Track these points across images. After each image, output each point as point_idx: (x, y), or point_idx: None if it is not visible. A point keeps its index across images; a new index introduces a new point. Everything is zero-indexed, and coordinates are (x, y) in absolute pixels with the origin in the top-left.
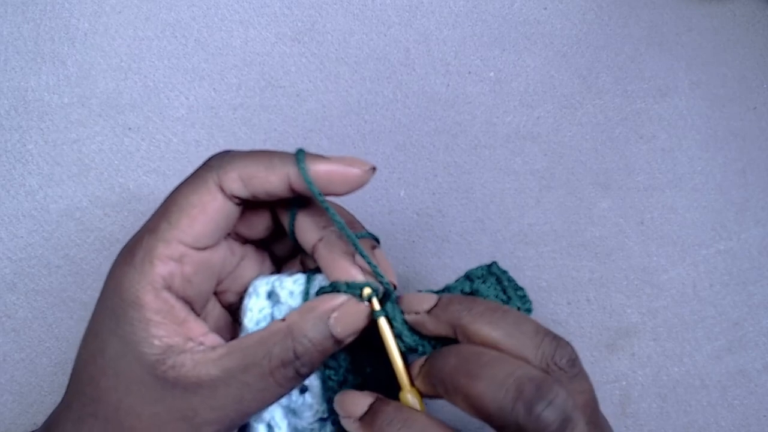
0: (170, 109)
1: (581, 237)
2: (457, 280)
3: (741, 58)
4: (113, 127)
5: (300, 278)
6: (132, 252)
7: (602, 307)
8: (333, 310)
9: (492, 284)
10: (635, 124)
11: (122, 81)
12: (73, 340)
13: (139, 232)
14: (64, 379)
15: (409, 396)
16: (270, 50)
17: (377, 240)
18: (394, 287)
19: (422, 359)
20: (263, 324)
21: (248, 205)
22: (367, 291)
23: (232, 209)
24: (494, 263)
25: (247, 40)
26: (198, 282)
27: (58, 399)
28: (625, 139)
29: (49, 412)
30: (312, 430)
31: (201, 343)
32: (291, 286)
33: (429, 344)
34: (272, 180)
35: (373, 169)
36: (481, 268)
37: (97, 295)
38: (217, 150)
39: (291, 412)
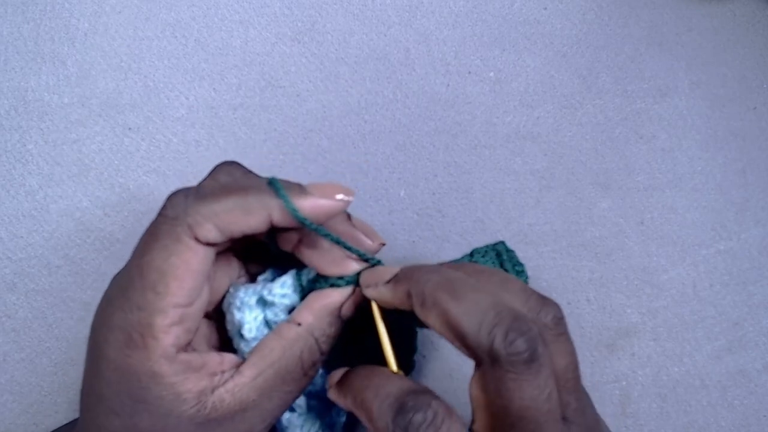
0: (170, 109)
1: (581, 237)
2: (461, 257)
3: (741, 58)
4: (113, 127)
5: (287, 280)
6: (129, 336)
7: (602, 307)
8: (343, 303)
9: (491, 258)
10: (635, 124)
11: (122, 81)
12: (73, 340)
13: (120, 312)
14: (64, 379)
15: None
16: (270, 50)
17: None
18: (383, 244)
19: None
20: (263, 330)
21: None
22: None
23: (212, 253)
24: (501, 242)
25: (247, 40)
26: (196, 319)
27: (59, 399)
28: (625, 139)
29: (50, 412)
30: None
31: (223, 371)
32: (280, 290)
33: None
34: (251, 223)
35: (351, 193)
36: (487, 246)
37: (97, 295)
38: (217, 150)
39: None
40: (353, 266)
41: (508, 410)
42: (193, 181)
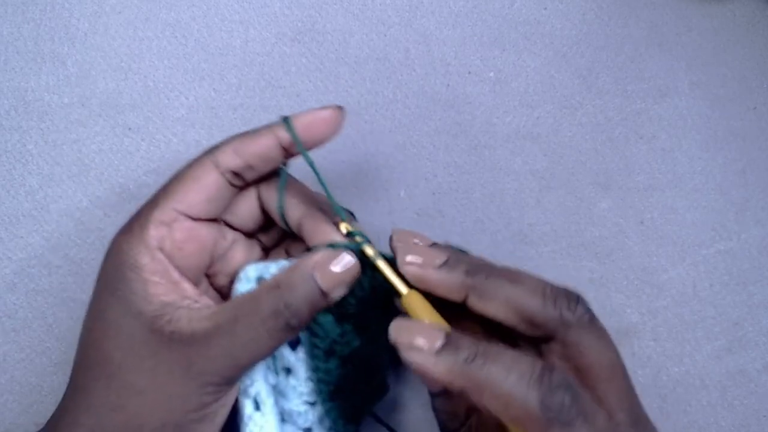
0: (170, 109)
1: (581, 237)
2: None
3: (741, 58)
4: (113, 127)
5: (285, 264)
6: (131, 222)
7: (602, 307)
8: (316, 264)
9: None
10: (635, 124)
11: (122, 81)
12: (73, 340)
13: (141, 206)
14: (64, 379)
15: (414, 296)
16: (270, 50)
17: (352, 214)
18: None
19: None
20: None
21: (240, 187)
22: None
23: (225, 186)
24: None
25: (247, 40)
26: (189, 253)
27: (59, 399)
28: (625, 139)
29: (49, 412)
30: (300, 413)
31: (195, 302)
32: (276, 271)
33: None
34: (262, 142)
35: (341, 108)
36: None
37: None
38: None
39: (279, 392)
40: (335, 235)
41: (593, 366)
42: None
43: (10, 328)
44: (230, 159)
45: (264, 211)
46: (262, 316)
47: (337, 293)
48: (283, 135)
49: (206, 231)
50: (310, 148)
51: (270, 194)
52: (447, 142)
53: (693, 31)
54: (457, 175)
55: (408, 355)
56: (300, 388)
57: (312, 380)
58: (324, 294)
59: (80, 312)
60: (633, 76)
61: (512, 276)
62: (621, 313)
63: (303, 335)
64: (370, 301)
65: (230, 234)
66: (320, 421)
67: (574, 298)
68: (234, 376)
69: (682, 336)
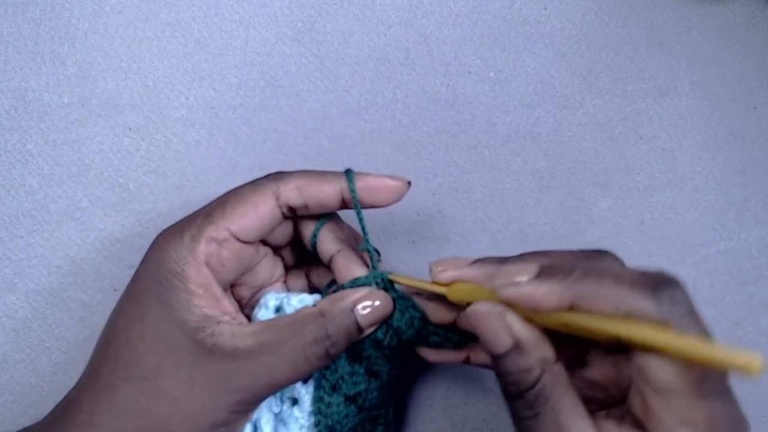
0: (170, 109)
1: (581, 237)
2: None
3: (741, 58)
4: (113, 127)
5: (305, 298)
6: (182, 229)
7: None
8: (359, 299)
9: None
10: (635, 124)
11: (122, 81)
12: (73, 340)
13: (194, 214)
14: (64, 379)
15: (459, 284)
16: (270, 50)
17: (378, 253)
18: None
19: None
20: None
21: (290, 218)
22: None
23: (277, 217)
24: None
25: (247, 40)
26: (229, 269)
27: (58, 399)
28: (625, 139)
29: (49, 412)
30: None
31: (234, 318)
32: (296, 303)
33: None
34: (326, 189)
35: (409, 183)
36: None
37: (97, 295)
38: (217, 150)
39: (280, 420)
40: (358, 271)
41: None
42: (192, 181)
43: (10, 328)
44: (292, 195)
45: (296, 231)
46: (305, 341)
47: (371, 329)
48: (346, 187)
49: (248, 251)
50: (366, 207)
51: (308, 222)
52: (447, 142)
53: (693, 31)
54: (457, 175)
55: (509, 293)
56: (302, 420)
57: (314, 413)
58: (360, 329)
59: (80, 312)
60: (633, 76)
61: (607, 272)
62: None
63: None
64: (384, 348)
65: (262, 249)
66: None
67: (666, 282)
68: (265, 396)
69: None
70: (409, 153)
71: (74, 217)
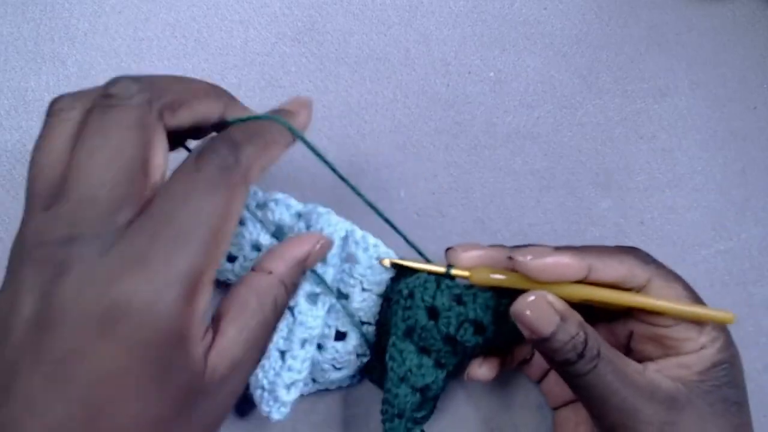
0: None
1: (581, 237)
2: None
3: (741, 58)
4: None
5: (379, 245)
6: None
7: None
8: (309, 253)
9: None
10: (635, 124)
11: None
12: None
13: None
14: None
15: (481, 268)
16: (270, 50)
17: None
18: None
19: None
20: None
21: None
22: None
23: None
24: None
25: (247, 40)
26: None
27: None
28: (625, 139)
29: None
30: (325, 369)
31: (203, 331)
32: (374, 252)
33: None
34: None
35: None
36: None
37: None
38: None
39: (317, 346)
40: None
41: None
42: None
43: None
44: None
45: None
46: (277, 314)
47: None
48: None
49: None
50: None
51: None
52: (447, 142)
53: (693, 31)
54: (457, 175)
55: (537, 264)
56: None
57: (382, 402)
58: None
59: None
60: (633, 76)
61: (602, 248)
62: None
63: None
64: (457, 344)
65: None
66: None
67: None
68: None
69: None
70: (409, 153)
71: None
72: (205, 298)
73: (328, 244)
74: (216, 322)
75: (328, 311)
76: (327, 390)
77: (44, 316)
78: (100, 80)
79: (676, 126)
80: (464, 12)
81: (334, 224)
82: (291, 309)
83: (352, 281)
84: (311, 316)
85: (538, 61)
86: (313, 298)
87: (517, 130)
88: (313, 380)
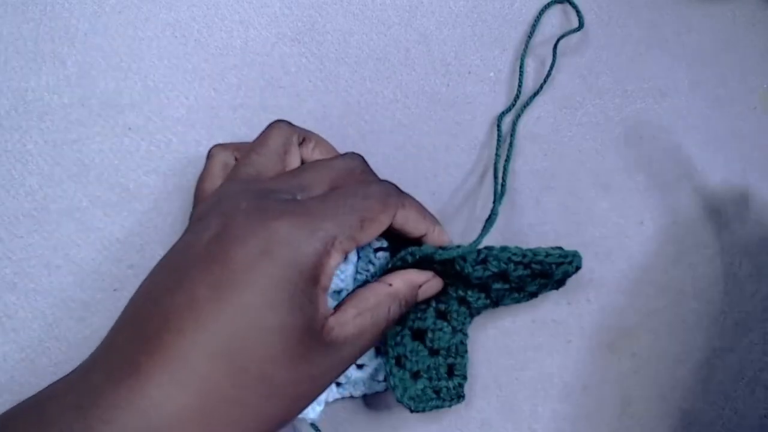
0: (170, 109)
1: (581, 237)
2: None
3: (741, 58)
4: (113, 127)
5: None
6: (323, 237)
7: (602, 307)
8: (423, 283)
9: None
10: (635, 124)
11: (122, 81)
12: (73, 340)
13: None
14: None
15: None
16: (270, 50)
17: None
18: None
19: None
20: (350, 281)
21: None
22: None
23: None
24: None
25: (247, 40)
26: None
27: None
28: (625, 139)
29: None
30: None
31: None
32: (379, 259)
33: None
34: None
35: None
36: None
37: (97, 295)
38: None
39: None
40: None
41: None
42: (192, 181)
43: (10, 328)
44: (403, 222)
45: None
46: (388, 323)
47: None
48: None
49: None
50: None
51: None
52: (447, 142)
53: (693, 31)
54: (457, 175)
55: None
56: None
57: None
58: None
59: (80, 312)
60: (633, 76)
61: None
62: (621, 313)
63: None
64: (472, 306)
65: None
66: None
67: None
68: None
69: (682, 336)
70: (409, 153)
71: (74, 217)
72: (336, 261)
73: (440, 284)
74: (341, 305)
75: None
76: (351, 397)
77: (221, 238)
78: (100, 80)
79: (676, 126)
80: (464, 12)
81: None
82: None
83: (367, 274)
84: None
85: (538, 61)
86: (334, 296)
87: (516, 130)
88: (337, 384)
